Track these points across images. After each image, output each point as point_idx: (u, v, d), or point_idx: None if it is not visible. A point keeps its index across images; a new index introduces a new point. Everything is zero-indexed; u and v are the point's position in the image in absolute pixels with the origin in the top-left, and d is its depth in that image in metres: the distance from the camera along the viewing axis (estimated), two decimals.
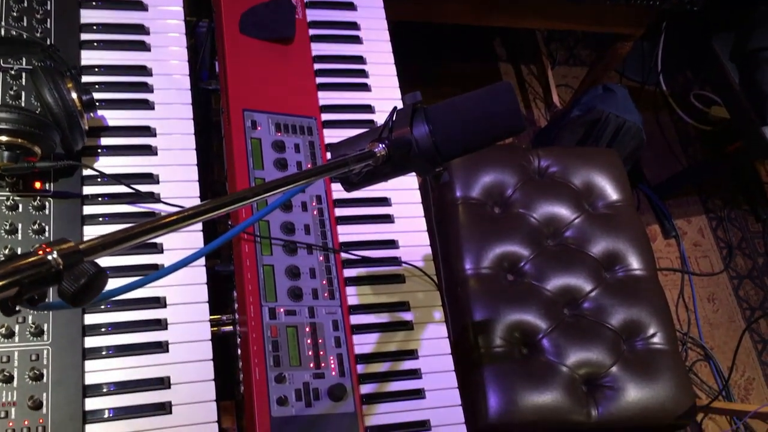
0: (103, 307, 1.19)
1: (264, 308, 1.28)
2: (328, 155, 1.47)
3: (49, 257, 0.56)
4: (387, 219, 1.46)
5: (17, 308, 0.53)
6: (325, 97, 1.55)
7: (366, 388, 1.28)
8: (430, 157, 0.96)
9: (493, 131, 0.96)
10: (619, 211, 1.96)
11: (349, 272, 1.38)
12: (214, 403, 1.16)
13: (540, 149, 2.03)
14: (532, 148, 2.06)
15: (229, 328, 1.34)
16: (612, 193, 1.99)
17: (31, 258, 0.55)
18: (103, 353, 1.15)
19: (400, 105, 1.58)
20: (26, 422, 1.06)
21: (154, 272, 0.72)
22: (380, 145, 0.93)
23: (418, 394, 1.31)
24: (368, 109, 1.57)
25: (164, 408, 1.13)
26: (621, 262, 1.89)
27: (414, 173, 1.03)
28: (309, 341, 1.28)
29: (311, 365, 1.26)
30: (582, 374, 1.72)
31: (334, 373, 1.27)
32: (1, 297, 0.51)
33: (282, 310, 1.29)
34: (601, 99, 2.44)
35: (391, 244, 1.44)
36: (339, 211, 1.44)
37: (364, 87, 1.59)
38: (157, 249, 1.24)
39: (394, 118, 0.98)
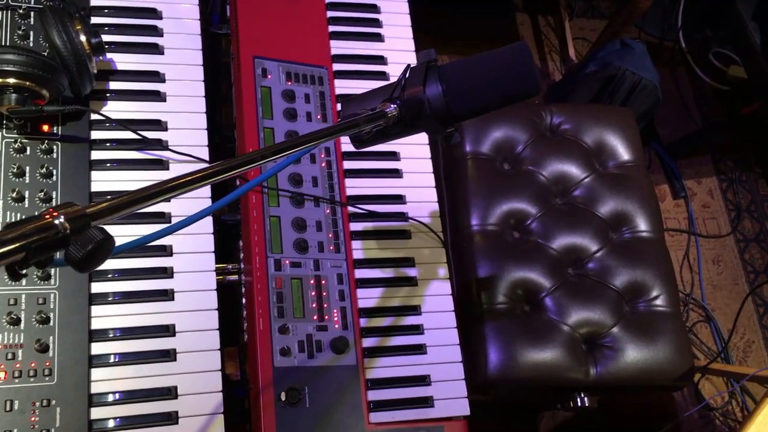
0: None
1: (269, 259, 1.28)
2: (338, 107, 1.46)
3: (56, 222, 0.55)
4: (395, 174, 1.45)
5: (23, 272, 0.53)
6: (338, 47, 1.52)
7: (368, 342, 1.30)
8: (441, 118, 0.95)
9: (506, 94, 0.94)
10: (630, 172, 1.94)
11: (355, 226, 1.38)
12: (218, 352, 1.18)
13: (553, 105, 2.00)
14: (544, 104, 2.03)
15: (235, 277, 1.34)
16: (624, 153, 1.96)
17: (38, 222, 0.54)
18: (110, 299, 1.16)
19: (413, 56, 1.58)
20: (33, 364, 1.07)
21: (161, 228, 0.72)
22: (392, 106, 0.91)
23: (419, 349, 1.32)
24: (381, 60, 1.54)
25: (169, 355, 1.15)
26: (628, 223, 1.88)
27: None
28: (313, 293, 1.29)
29: (315, 317, 1.27)
30: (582, 333, 1.73)
31: (337, 326, 1.28)
32: (8, 262, 0.51)
33: (287, 261, 1.30)
34: (618, 55, 2.39)
35: (399, 199, 1.43)
36: (347, 164, 1.43)
37: (377, 37, 1.56)
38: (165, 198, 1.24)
39: (407, 76, 0.96)
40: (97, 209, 0.58)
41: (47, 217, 0.55)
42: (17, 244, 0.51)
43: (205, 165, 1.29)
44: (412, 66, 0.96)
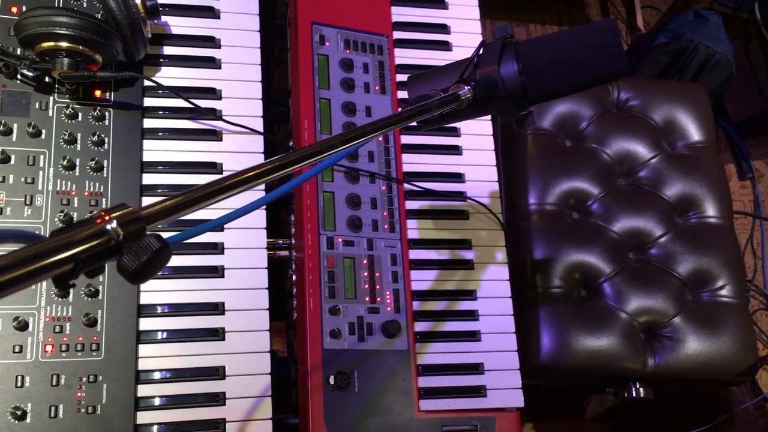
0: None
1: (322, 237, 1.24)
2: (398, 78, 1.39)
3: (108, 227, 0.50)
4: (455, 150, 1.38)
5: (73, 284, 0.48)
6: (399, 13, 1.45)
7: (420, 327, 1.25)
8: (516, 100, 0.88)
9: (591, 75, 0.86)
10: (700, 153, 1.83)
11: (411, 204, 1.32)
12: (267, 333, 1.14)
13: (621, 79, 1.90)
14: None
15: (285, 253, 1.30)
16: (694, 133, 1.86)
17: (88, 228, 0.49)
18: (159, 273, 1.13)
19: (478, 25, 1.50)
20: (80, 338, 1.05)
21: (216, 218, 0.67)
22: (465, 88, 0.84)
23: (473, 336, 1.27)
24: (443, 29, 1.46)
25: (218, 334, 1.12)
26: (696, 207, 1.79)
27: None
28: (366, 274, 1.24)
29: (366, 299, 1.23)
30: (642, 322, 1.65)
31: (389, 308, 1.24)
32: (56, 273, 0.46)
33: (340, 240, 1.25)
34: (691, 26, 2.25)
35: (458, 177, 1.37)
36: (405, 139, 1.36)
37: (441, 4, 1.48)
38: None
39: (480, 54, 0.89)
40: (152, 212, 0.53)
41: (98, 221, 0.50)
42: (65, 254, 0.47)
43: (259, 137, 1.24)
44: (486, 43, 0.89)
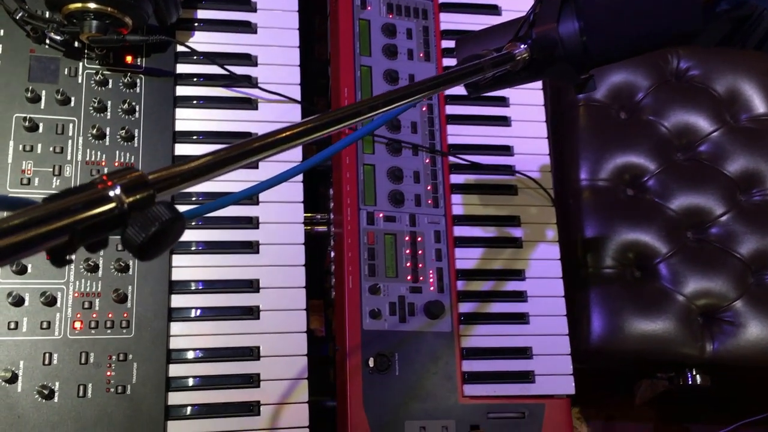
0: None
1: (362, 212, 1.18)
2: (444, 45, 1.31)
3: (111, 193, 0.43)
4: (503, 121, 1.30)
5: (71, 258, 0.42)
6: None
7: (465, 307, 1.18)
8: (576, 62, 0.80)
9: (660, 34, 0.78)
10: (766, 127, 1.71)
11: (456, 178, 1.25)
12: (304, 312, 1.09)
13: (680, 48, 1.78)
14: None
15: (323, 228, 1.24)
16: (759, 105, 1.73)
17: (87, 194, 0.42)
18: (192, 248, 1.08)
19: None
20: (110, 315, 1.01)
21: (246, 188, 0.61)
22: (521, 46, 0.76)
23: (521, 318, 1.20)
24: None
25: (252, 312, 1.06)
26: (760, 184, 1.67)
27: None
28: (408, 251, 1.18)
29: (408, 278, 1.17)
30: (700, 305, 1.56)
31: (432, 288, 1.17)
32: (48, 246, 0.40)
33: (381, 215, 1.18)
34: None
35: (506, 150, 1.29)
36: (450, 109, 1.29)
37: None
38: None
39: (537, 10, 0.80)
40: (164, 176, 0.46)
41: (100, 186, 0.43)
42: (59, 225, 0.40)
43: (296, 106, 1.18)
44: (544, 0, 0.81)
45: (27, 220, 0.39)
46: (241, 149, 0.49)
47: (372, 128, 0.67)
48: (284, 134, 0.51)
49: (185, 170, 0.47)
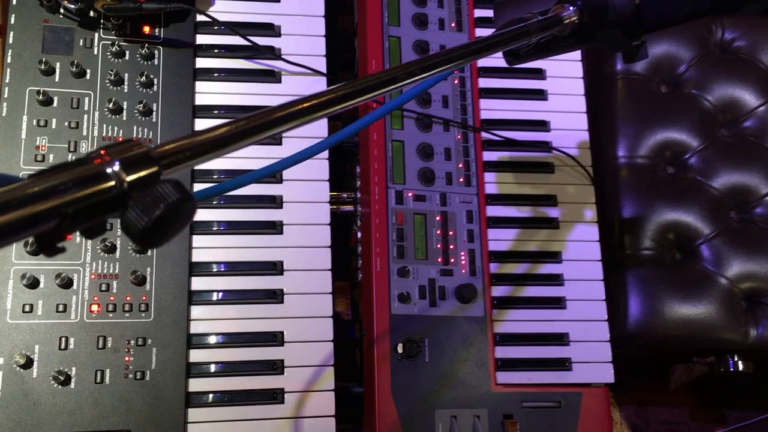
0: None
1: (390, 190, 1.12)
2: (476, 14, 1.23)
3: (109, 169, 0.37)
4: (539, 95, 1.23)
5: (61, 246, 0.36)
6: None
7: (498, 291, 1.13)
8: (627, 26, 0.73)
9: None
10: None
11: (489, 155, 1.19)
12: (329, 296, 1.04)
13: (725, 17, 1.69)
14: (714, 15, 1.72)
15: (350, 207, 1.19)
16: None
17: (80, 170, 0.36)
18: (214, 228, 1.03)
19: None
20: (128, 298, 0.97)
21: (269, 165, 0.55)
22: (570, 8, 0.69)
23: (557, 303, 1.14)
24: None
25: (275, 296, 1.01)
26: None
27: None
28: (438, 232, 1.12)
29: (439, 260, 1.11)
30: (743, 289, 1.48)
31: (464, 270, 1.12)
32: (35, 232, 0.34)
33: (410, 194, 1.13)
34: None
35: (542, 125, 1.22)
36: (484, 82, 1.22)
37: None
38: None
39: None
40: (172, 150, 0.40)
41: (96, 161, 0.37)
42: (46, 206, 0.34)
43: (321, 79, 1.12)
44: None
45: (8, 200, 0.33)
46: (261, 120, 0.44)
47: (403, 100, 0.61)
48: (309, 103, 0.45)
49: (197, 143, 0.41)
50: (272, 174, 0.52)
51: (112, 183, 0.38)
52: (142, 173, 0.39)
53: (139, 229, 0.37)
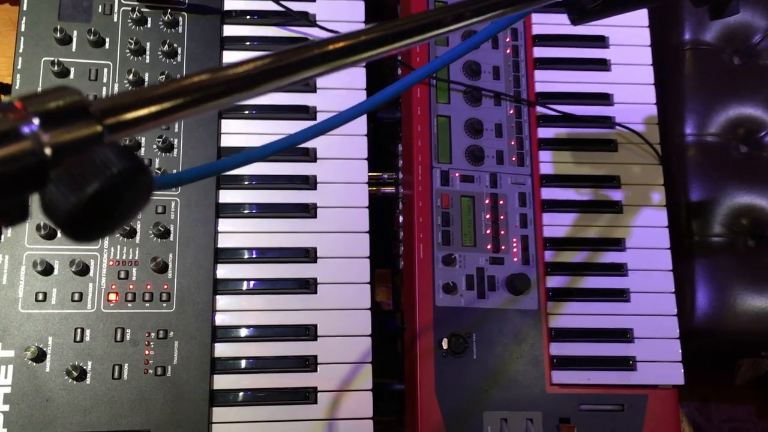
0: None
1: (435, 170, 1.03)
2: None
3: (26, 128, 0.27)
4: (601, 65, 1.12)
5: None
6: None
7: (554, 282, 1.03)
8: None
9: None
10: None
11: (545, 132, 1.09)
12: (368, 286, 0.94)
13: None
14: None
15: (391, 189, 1.10)
16: None
17: None
18: (245, 211, 0.94)
19: None
20: (148, 287, 0.89)
21: (302, 129, 0.46)
22: None
23: (620, 295, 1.04)
24: None
25: (308, 285, 0.93)
26: None
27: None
28: (488, 216, 1.02)
29: (488, 247, 1.01)
30: None
31: (515, 259, 1.02)
32: None
33: (457, 174, 1.03)
34: None
35: (604, 99, 1.11)
36: (538, 51, 1.12)
37: None
38: (309, 87, 0.99)
39: None
40: (120, 103, 0.30)
41: (12, 115, 0.27)
42: None
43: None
44: None
45: None
46: (267, 66, 0.33)
47: (449, 59, 0.51)
48: (335, 45, 0.35)
49: (157, 95, 0.30)
50: (312, 137, 0.43)
51: (28, 145, 0.27)
52: (74, 134, 0.28)
53: (63, 212, 0.27)
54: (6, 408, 0.83)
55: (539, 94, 1.09)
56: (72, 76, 0.93)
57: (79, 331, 0.86)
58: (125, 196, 0.28)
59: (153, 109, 0.29)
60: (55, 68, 0.92)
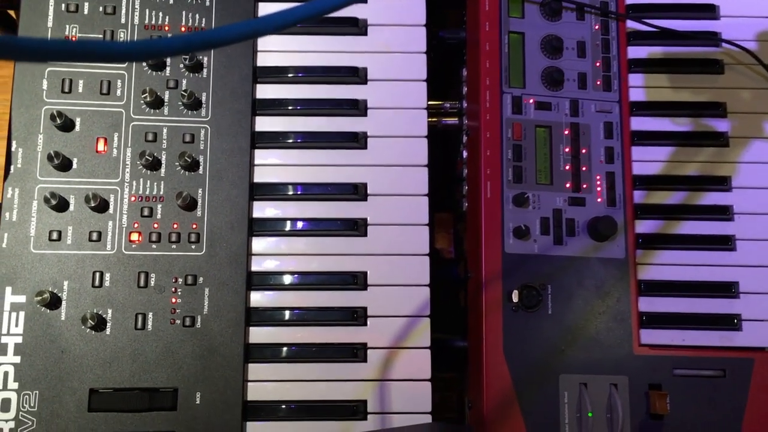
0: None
1: (505, 96, 0.89)
2: None
3: None
4: None
5: None
6: None
7: (644, 227, 0.89)
8: None
9: None
10: None
11: (636, 51, 0.94)
12: (426, 228, 0.82)
13: None
14: None
15: (454, 120, 0.96)
16: None
17: None
18: (290, 141, 0.82)
19: None
20: (175, 226, 0.78)
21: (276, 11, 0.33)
22: None
23: (724, 243, 0.89)
24: None
25: (356, 227, 0.81)
26: None
27: None
28: (567, 150, 0.88)
29: (567, 185, 0.88)
30: None
31: (600, 199, 0.88)
32: None
33: (532, 101, 0.89)
34: None
35: (708, 10, 0.95)
36: None
37: None
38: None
39: None
40: None
41: None
42: None
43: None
44: None
45: None
46: None
47: None
48: None
49: None
50: (335, 9, 0.31)
51: None
52: None
53: None
54: (17, 359, 0.74)
55: (630, 6, 0.93)
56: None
57: (97, 274, 0.76)
58: None
59: None
60: None
